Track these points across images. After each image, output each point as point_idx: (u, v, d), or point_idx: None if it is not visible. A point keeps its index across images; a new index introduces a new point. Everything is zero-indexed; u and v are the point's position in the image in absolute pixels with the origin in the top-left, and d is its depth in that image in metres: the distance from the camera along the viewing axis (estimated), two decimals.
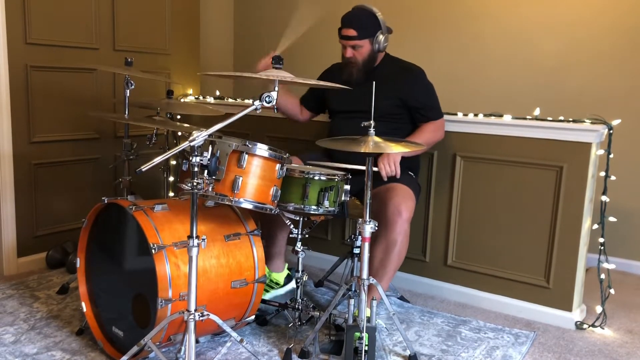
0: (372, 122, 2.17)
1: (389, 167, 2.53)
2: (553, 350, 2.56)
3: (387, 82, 2.69)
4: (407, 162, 2.79)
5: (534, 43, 3.80)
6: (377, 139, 2.15)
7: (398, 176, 2.54)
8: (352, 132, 2.59)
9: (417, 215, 3.10)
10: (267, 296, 2.79)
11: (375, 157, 2.56)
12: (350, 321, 2.22)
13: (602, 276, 2.77)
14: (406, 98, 2.71)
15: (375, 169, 2.42)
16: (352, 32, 2.66)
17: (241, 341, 2.12)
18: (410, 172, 2.79)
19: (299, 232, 2.46)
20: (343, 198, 2.40)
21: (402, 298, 3.02)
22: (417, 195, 2.70)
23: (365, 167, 2.19)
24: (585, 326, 2.77)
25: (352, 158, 2.57)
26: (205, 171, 1.99)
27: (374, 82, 2.25)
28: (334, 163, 2.58)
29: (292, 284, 2.81)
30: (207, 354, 2.36)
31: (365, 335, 2.17)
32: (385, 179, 2.53)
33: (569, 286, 2.78)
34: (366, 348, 2.19)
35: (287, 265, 2.88)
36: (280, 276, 2.80)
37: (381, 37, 2.69)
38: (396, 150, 2.14)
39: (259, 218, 2.67)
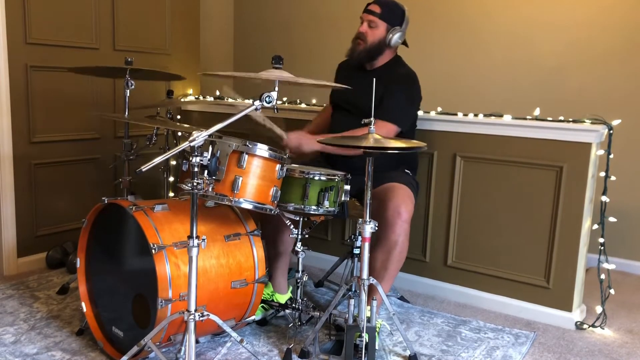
0: (372, 119, 2.17)
1: (292, 146, 2.56)
2: (553, 350, 2.56)
3: (383, 82, 2.68)
4: (404, 161, 2.79)
5: (534, 43, 3.80)
6: (377, 136, 2.15)
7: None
8: (348, 127, 2.60)
9: (417, 215, 3.10)
10: (263, 314, 2.66)
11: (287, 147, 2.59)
12: (351, 321, 2.22)
13: (602, 276, 2.77)
14: (383, 94, 2.66)
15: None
16: (376, 9, 2.69)
17: (241, 341, 2.12)
18: (407, 171, 2.78)
19: (299, 232, 2.46)
20: (343, 198, 2.40)
21: (402, 298, 3.02)
22: (415, 194, 2.70)
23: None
24: (585, 326, 2.77)
25: (352, 158, 2.57)
26: (205, 171, 1.99)
27: (370, 81, 2.25)
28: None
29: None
30: (207, 354, 2.36)
31: (365, 335, 2.17)
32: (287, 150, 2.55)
33: (569, 286, 2.78)
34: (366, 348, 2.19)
35: (291, 288, 2.80)
36: (283, 298, 2.72)
37: (397, 34, 2.69)
38: (395, 147, 2.13)
39: (259, 219, 2.66)
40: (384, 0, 2.72)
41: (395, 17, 2.71)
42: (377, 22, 2.69)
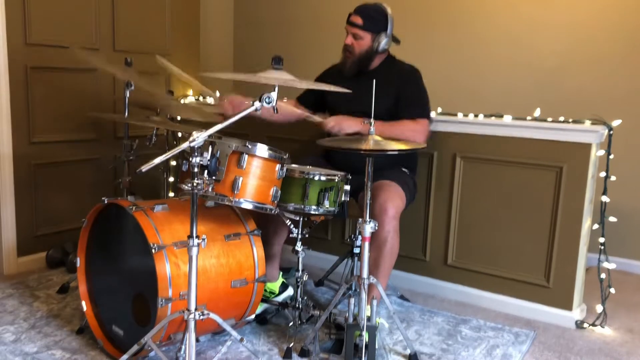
0: (372, 120, 2.18)
1: (331, 125, 2.58)
2: (553, 349, 2.56)
3: (385, 83, 2.69)
4: (401, 160, 2.79)
5: (534, 44, 3.80)
6: (377, 137, 2.15)
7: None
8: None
9: (417, 215, 3.11)
10: (264, 306, 2.70)
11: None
12: (351, 320, 2.22)
13: (602, 275, 2.77)
14: (399, 95, 2.69)
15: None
16: (358, 20, 2.68)
17: (241, 340, 2.12)
18: (404, 169, 2.78)
19: (299, 232, 2.46)
20: (343, 198, 2.41)
21: (402, 297, 3.02)
22: (409, 193, 2.69)
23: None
24: (585, 325, 2.78)
25: (352, 158, 2.57)
26: (205, 172, 1.99)
27: (371, 82, 2.25)
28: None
29: (288, 292, 2.79)
30: (207, 352, 2.37)
31: (365, 334, 2.17)
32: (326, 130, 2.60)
33: (569, 285, 2.79)
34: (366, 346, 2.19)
35: (281, 273, 2.86)
36: (275, 285, 2.76)
37: (383, 39, 2.69)
38: (396, 148, 2.14)
39: (257, 218, 2.67)
40: (364, 9, 2.70)
41: (378, 23, 2.69)
42: (361, 34, 2.69)
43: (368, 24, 2.68)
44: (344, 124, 2.59)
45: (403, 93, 2.71)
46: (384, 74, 2.75)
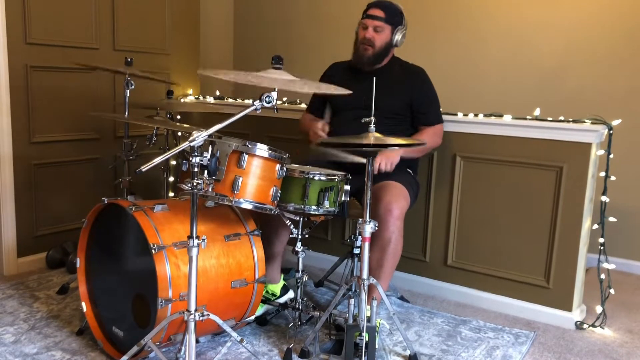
0: (372, 118, 2.17)
1: (384, 165, 2.57)
2: (553, 350, 2.56)
3: (396, 82, 2.72)
4: (406, 160, 2.79)
5: (534, 43, 3.80)
6: (377, 135, 2.15)
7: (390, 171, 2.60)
8: (357, 128, 2.59)
9: (417, 215, 3.11)
10: (264, 308, 2.70)
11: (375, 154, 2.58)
12: (351, 321, 2.22)
13: (602, 276, 2.77)
14: (413, 99, 2.75)
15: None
16: (380, 13, 2.72)
17: (241, 341, 2.12)
18: (408, 170, 2.79)
19: (299, 232, 2.46)
20: (343, 198, 2.40)
21: (402, 298, 3.02)
22: (413, 193, 2.69)
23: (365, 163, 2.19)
24: (585, 326, 2.77)
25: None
26: (205, 171, 1.98)
27: (380, 81, 2.26)
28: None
29: (289, 295, 2.78)
30: (207, 353, 2.37)
31: (365, 334, 2.17)
32: (376, 172, 2.57)
33: (569, 286, 2.79)
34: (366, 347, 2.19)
35: (282, 276, 2.85)
36: (276, 287, 2.75)
37: (400, 34, 2.74)
38: (396, 144, 2.13)
39: (257, 219, 2.66)
40: (382, 3, 2.75)
41: (397, 18, 2.75)
42: (383, 26, 2.72)
43: (389, 17, 2.72)
44: (393, 159, 2.60)
45: (419, 97, 2.76)
46: (394, 73, 2.76)
